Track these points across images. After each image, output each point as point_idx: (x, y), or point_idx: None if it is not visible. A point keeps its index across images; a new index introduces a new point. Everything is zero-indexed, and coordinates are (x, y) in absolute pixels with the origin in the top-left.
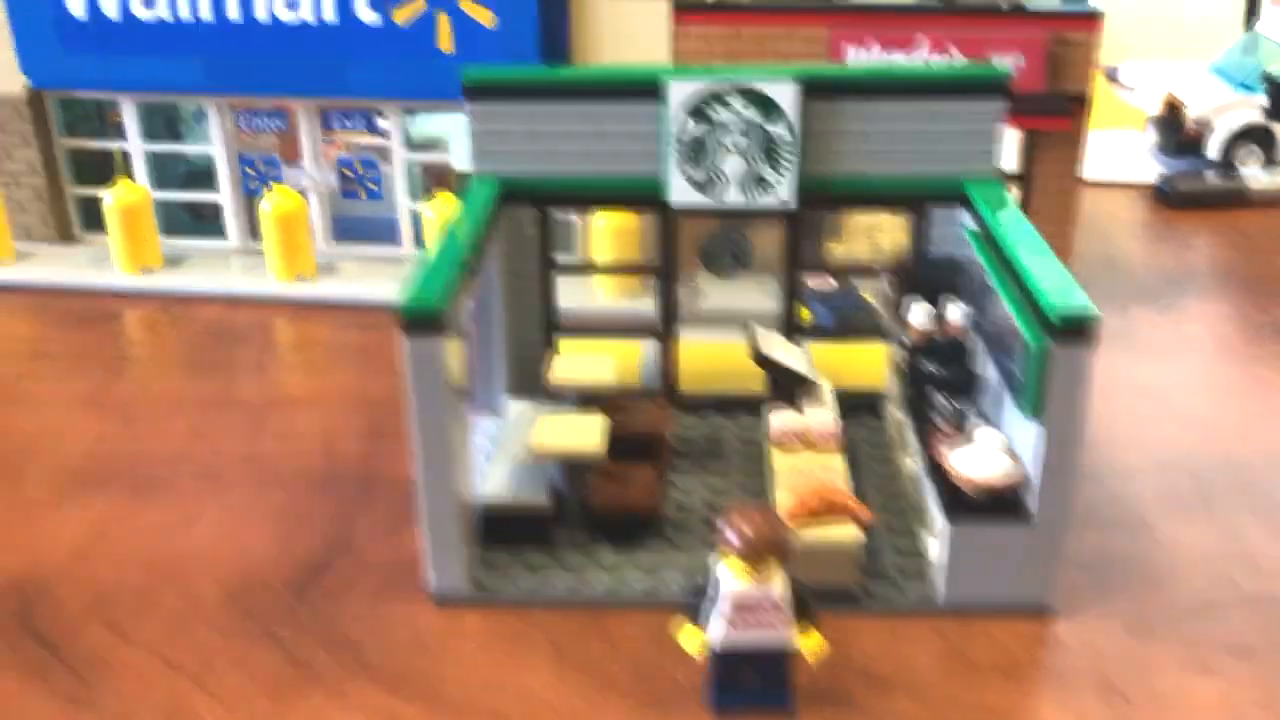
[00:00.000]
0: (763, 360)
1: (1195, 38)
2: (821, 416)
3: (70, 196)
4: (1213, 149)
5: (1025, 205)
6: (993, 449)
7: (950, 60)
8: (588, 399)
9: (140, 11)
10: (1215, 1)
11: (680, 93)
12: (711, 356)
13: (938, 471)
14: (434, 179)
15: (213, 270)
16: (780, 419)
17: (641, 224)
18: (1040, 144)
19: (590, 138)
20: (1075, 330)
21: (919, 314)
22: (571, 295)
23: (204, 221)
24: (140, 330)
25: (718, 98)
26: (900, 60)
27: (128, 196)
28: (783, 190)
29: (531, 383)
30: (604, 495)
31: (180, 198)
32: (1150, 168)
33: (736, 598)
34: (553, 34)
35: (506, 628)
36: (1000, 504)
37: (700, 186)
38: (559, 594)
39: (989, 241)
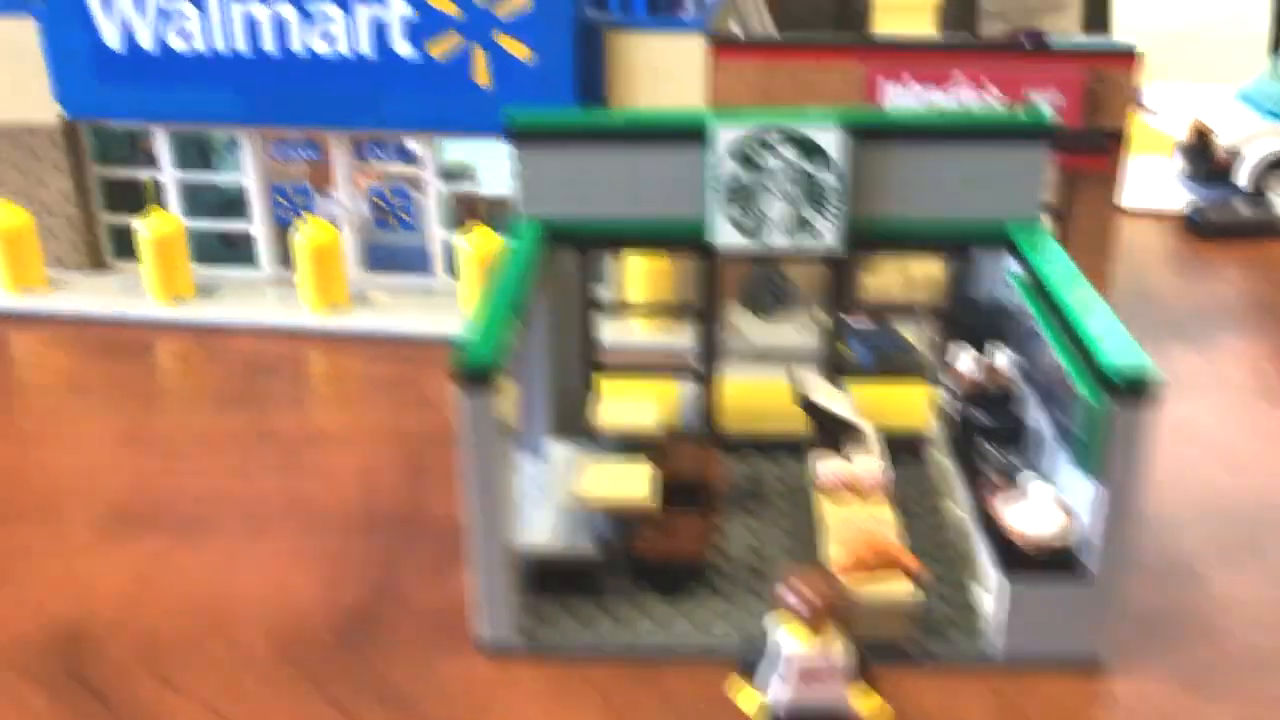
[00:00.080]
0: (808, 406)
1: (1219, 60)
2: (869, 464)
3: (102, 224)
4: (1243, 178)
5: (1062, 241)
6: (1047, 503)
7: (987, 98)
8: (632, 443)
9: (176, 43)
10: (1239, 23)
11: (727, 137)
12: (751, 395)
13: (990, 524)
14: (465, 208)
15: (245, 300)
16: (828, 467)
17: (675, 262)
18: (1078, 181)
19: (635, 180)
20: (1137, 391)
21: (966, 361)
22: (606, 329)
23: (235, 249)
24: (175, 362)
25: (764, 142)
26: (937, 97)
27: (162, 227)
28: (828, 234)
29: (571, 423)
30: (652, 545)
31: (213, 227)
32: (1178, 195)
33: (798, 662)
34: (589, 69)
35: (557, 680)
36: (1056, 560)
37: (745, 230)
38: (609, 646)
39: (1037, 288)
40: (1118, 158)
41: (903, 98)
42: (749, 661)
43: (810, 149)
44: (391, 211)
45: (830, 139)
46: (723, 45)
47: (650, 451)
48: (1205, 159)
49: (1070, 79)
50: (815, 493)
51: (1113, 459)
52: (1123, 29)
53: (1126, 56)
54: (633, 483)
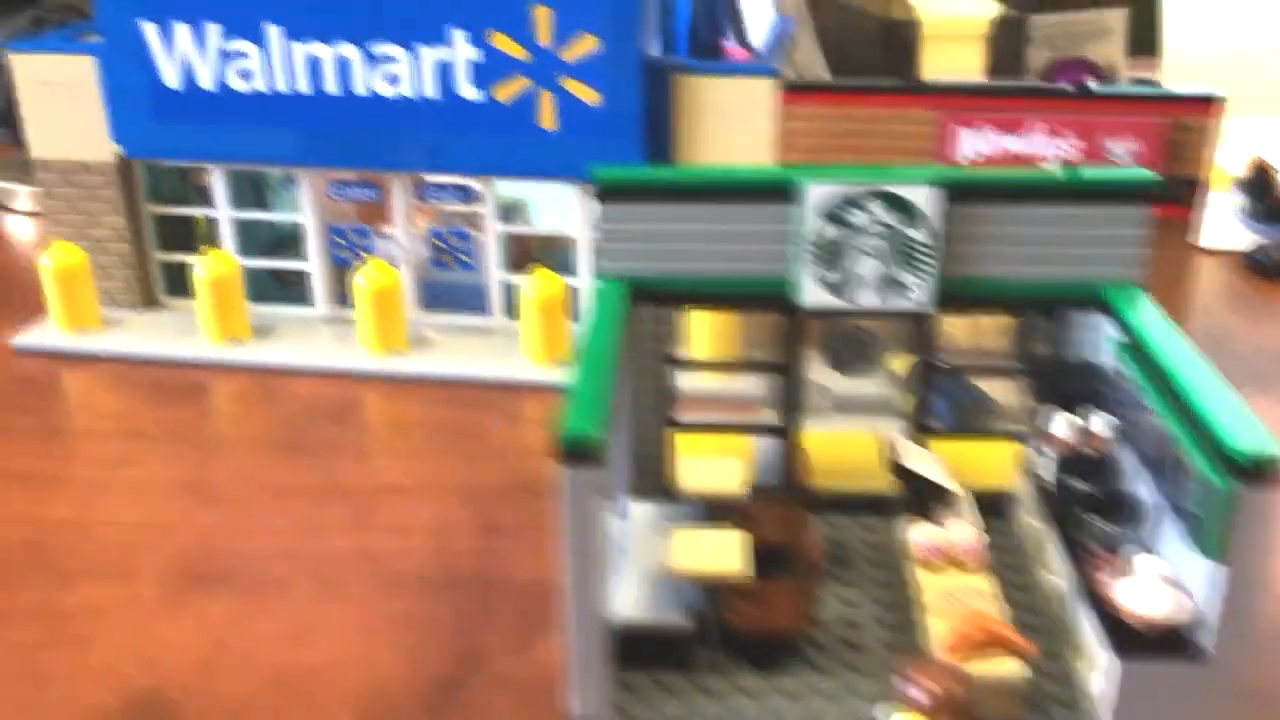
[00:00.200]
0: (901, 471)
1: (1271, 92)
2: (965, 532)
3: (155, 262)
4: None
5: None
6: (1156, 580)
7: (1066, 145)
8: (715, 505)
9: (236, 83)
10: None
11: (817, 195)
12: (831, 450)
13: (1096, 599)
14: (517, 246)
15: (302, 342)
16: (922, 535)
17: (742, 316)
18: (1155, 230)
19: (720, 237)
20: (1264, 473)
21: (1061, 425)
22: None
23: (289, 288)
24: (234, 406)
25: (855, 201)
26: (1011, 143)
27: (218, 268)
28: (919, 293)
29: (648, 481)
30: (746, 618)
31: (268, 265)
32: (1237, 233)
33: None
34: (655, 112)
35: None
36: (1170, 640)
37: (834, 289)
38: None
39: (1139, 354)
40: (1197, 206)
41: (976, 143)
42: None
43: (902, 207)
44: (451, 252)
45: (923, 197)
46: (794, 89)
47: (735, 514)
48: (1265, 196)
49: (1150, 126)
50: (908, 561)
51: (1236, 540)
52: (1173, 53)
53: (1209, 104)
54: (725, 552)
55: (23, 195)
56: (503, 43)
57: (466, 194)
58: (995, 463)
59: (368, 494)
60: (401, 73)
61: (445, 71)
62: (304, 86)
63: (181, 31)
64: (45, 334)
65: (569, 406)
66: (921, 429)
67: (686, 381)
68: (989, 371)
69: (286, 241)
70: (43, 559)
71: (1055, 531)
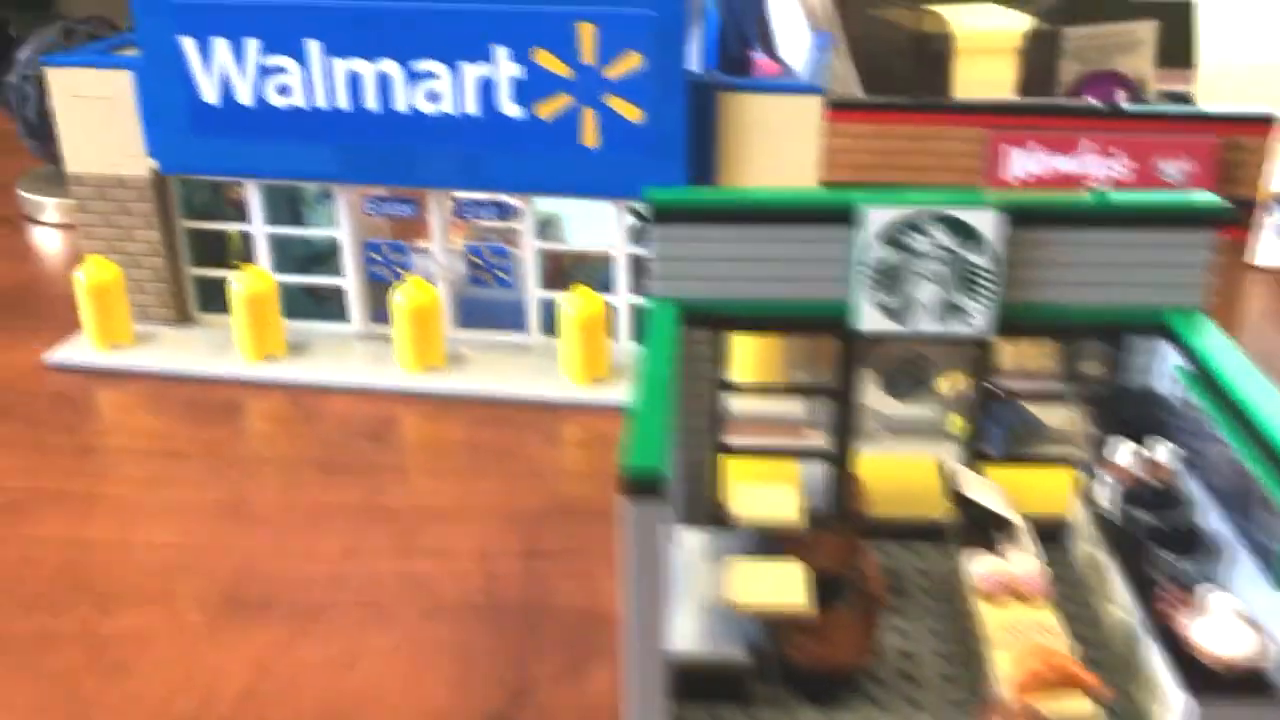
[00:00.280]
0: (961, 501)
1: None
2: (1028, 564)
3: (189, 277)
4: None
5: None
6: (1233, 619)
7: (1118, 165)
8: (769, 533)
9: (275, 99)
10: None
11: (878, 220)
12: (884, 476)
13: (1168, 637)
14: (551, 262)
15: (338, 359)
16: (984, 566)
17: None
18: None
19: (777, 261)
20: None
21: (1125, 454)
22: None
23: (323, 303)
24: (270, 425)
25: (916, 225)
26: (1062, 163)
27: (255, 284)
28: (980, 319)
29: (698, 507)
30: (807, 652)
31: (304, 281)
32: (1273, 248)
33: None
34: (700, 130)
35: None
36: (1250, 681)
37: (892, 314)
38: None
39: (1208, 383)
40: (1251, 226)
41: (1026, 163)
42: None
43: (964, 231)
44: (489, 269)
45: (987, 222)
46: (840, 106)
47: (791, 543)
48: None
49: (1203, 146)
50: (969, 593)
51: None
52: (1208, 65)
53: (1262, 124)
54: (787, 586)
55: (51, 207)
56: (546, 60)
57: (503, 210)
58: (1050, 489)
59: (409, 516)
60: (443, 89)
61: (487, 88)
62: (344, 103)
63: (220, 46)
64: (78, 350)
65: (633, 438)
66: (977, 455)
67: (733, 404)
68: (1046, 397)
69: (321, 257)
70: (81, 582)
71: (1118, 563)
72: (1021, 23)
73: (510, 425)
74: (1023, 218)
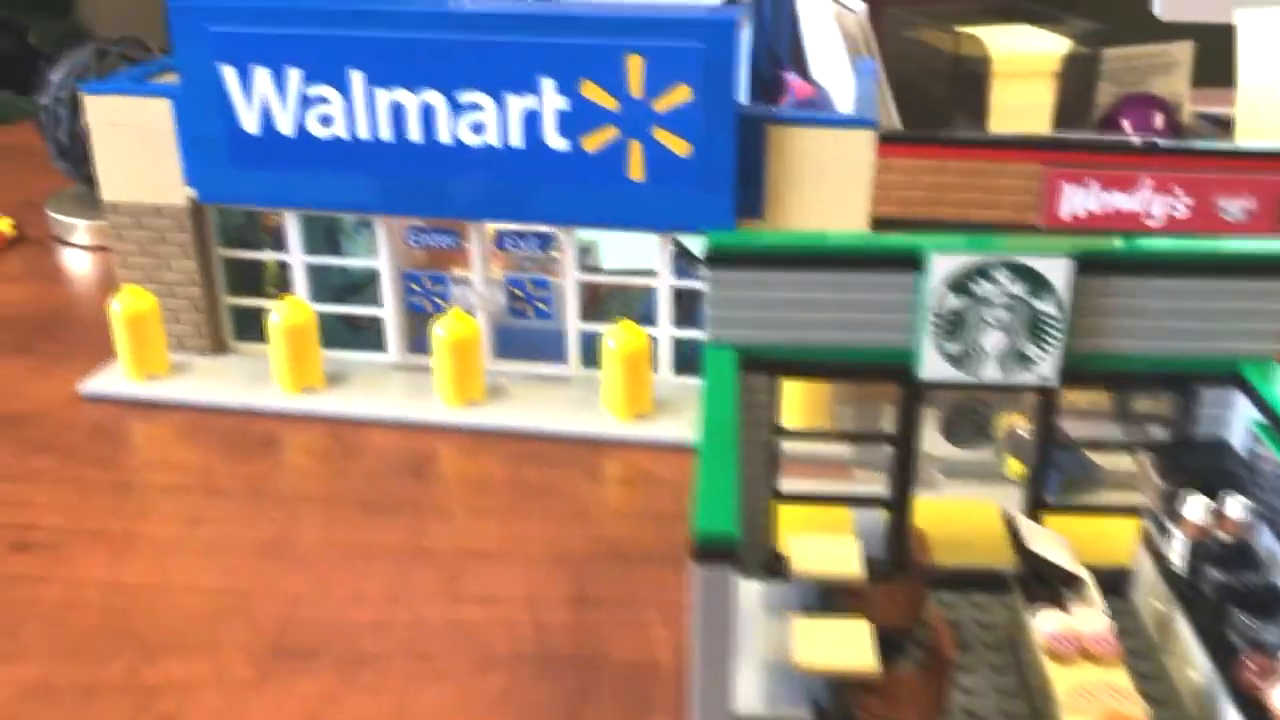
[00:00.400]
0: (1026, 554)
1: None
2: (1095, 621)
3: (225, 306)
4: None
5: None
6: None
7: (1176, 203)
8: (828, 585)
9: (316, 129)
10: None
11: (944, 266)
12: (942, 520)
13: (1247, 704)
14: (588, 291)
15: (376, 391)
16: (1051, 624)
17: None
18: None
19: (837, 306)
20: None
21: (1195, 508)
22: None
23: (360, 332)
24: (310, 460)
25: (983, 272)
26: (1120, 200)
27: (294, 316)
28: (1045, 367)
29: (753, 555)
30: (876, 715)
31: (342, 311)
32: None
33: None
34: (748, 163)
35: None
36: None
37: (955, 361)
38: None
39: None
40: None
41: (1083, 201)
42: None
43: (1031, 278)
44: (528, 300)
45: (1057, 269)
46: (891, 140)
47: (853, 596)
48: None
49: (1264, 184)
50: (1036, 652)
51: None
52: (1247, 86)
53: None
54: (853, 645)
55: (82, 229)
56: (593, 92)
57: (544, 241)
58: (1110, 538)
59: (454, 558)
60: (487, 121)
61: (532, 121)
62: (386, 134)
63: (262, 76)
64: (113, 380)
65: (701, 498)
66: (1037, 504)
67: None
68: (1107, 446)
69: (358, 286)
70: (124, 628)
71: (1186, 619)
72: (1059, 45)
73: (552, 462)
74: (1094, 265)
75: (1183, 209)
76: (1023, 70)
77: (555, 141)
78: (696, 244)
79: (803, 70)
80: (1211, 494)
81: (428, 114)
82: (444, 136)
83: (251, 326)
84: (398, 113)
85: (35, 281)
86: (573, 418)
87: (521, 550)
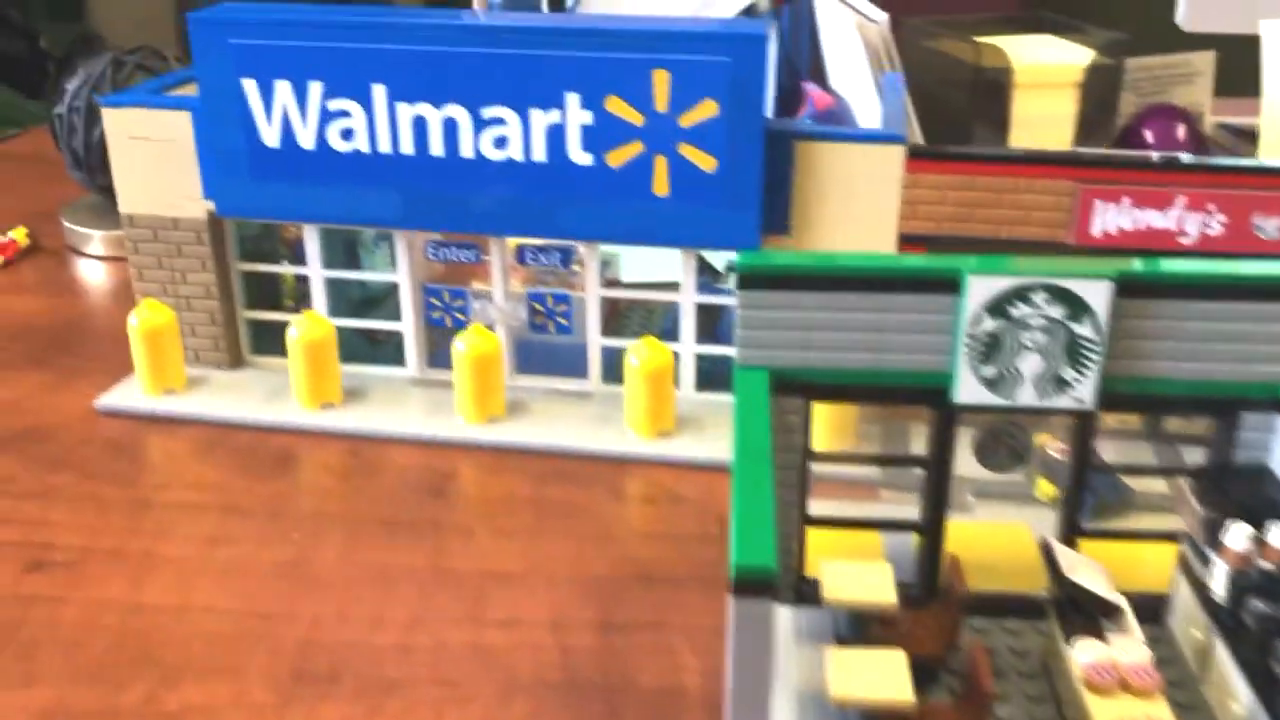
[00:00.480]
0: (1065, 583)
1: None
2: (1135, 652)
3: (243, 320)
4: None
5: None
6: None
7: (1210, 221)
8: (859, 611)
9: (337, 143)
10: None
11: (982, 289)
12: (974, 544)
13: None
14: (608, 303)
15: (396, 407)
16: (1089, 654)
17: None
18: None
19: (871, 328)
20: None
21: (1238, 537)
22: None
23: (378, 346)
24: (329, 478)
25: (1020, 294)
26: (1154, 219)
27: (313, 331)
28: (1083, 391)
29: (784, 579)
30: None
31: (361, 326)
32: None
33: None
34: (775, 179)
35: None
36: None
37: (991, 384)
38: None
39: None
40: None
41: (1117, 218)
42: None
43: (1070, 300)
44: (549, 315)
45: (1099, 294)
46: (921, 156)
47: (886, 624)
48: None
49: None
50: (1075, 683)
51: None
52: (1271, 100)
53: None
54: (889, 677)
55: (97, 239)
56: (618, 107)
57: (565, 256)
58: (1146, 564)
59: (476, 580)
60: (511, 136)
61: (556, 135)
62: (408, 148)
63: (283, 89)
64: (129, 394)
65: (739, 531)
66: (1071, 528)
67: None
68: (1148, 471)
69: (376, 300)
70: (143, 652)
71: (1227, 649)
72: (1082, 56)
73: (575, 480)
74: (1134, 288)
75: (1217, 227)
76: (1045, 81)
77: (579, 156)
78: (720, 260)
79: (821, 80)
80: (1254, 522)
81: (450, 128)
82: (466, 151)
83: (269, 341)
84: (420, 127)
85: (50, 293)
86: (595, 435)
87: (545, 571)
